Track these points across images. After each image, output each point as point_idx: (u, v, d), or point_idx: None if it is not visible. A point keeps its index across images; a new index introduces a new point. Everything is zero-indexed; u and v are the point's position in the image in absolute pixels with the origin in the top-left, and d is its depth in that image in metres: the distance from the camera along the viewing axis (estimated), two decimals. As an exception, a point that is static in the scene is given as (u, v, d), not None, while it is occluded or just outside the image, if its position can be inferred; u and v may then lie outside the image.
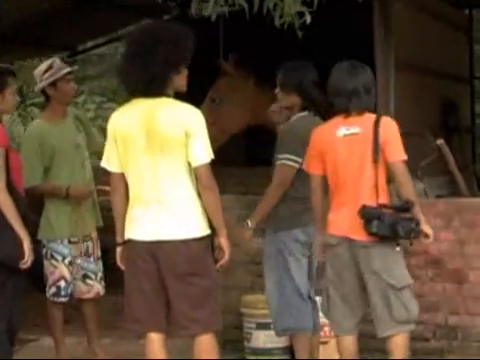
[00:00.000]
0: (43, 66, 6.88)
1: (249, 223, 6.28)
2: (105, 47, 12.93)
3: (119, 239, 5.37)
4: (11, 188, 5.91)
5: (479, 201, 7.39)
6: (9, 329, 5.97)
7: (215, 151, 5.27)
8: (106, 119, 14.23)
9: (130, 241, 5.29)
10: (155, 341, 5.30)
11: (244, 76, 8.91)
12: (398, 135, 5.78)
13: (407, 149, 7.39)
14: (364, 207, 5.51)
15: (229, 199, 7.34)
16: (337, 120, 5.69)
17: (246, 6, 6.13)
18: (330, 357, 6.54)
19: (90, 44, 11.70)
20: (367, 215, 5.59)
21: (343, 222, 5.55)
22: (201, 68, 7.47)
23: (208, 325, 5.26)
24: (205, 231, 5.24)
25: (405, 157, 5.70)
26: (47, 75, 6.81)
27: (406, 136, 7.41)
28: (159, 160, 5.20)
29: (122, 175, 5.31)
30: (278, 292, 6.34)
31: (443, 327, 6.96)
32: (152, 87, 5.19)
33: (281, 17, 6.02)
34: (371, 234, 5.53)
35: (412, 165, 7.18)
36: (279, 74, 6.42)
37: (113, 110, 11.13)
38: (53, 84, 6.79)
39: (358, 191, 5.61)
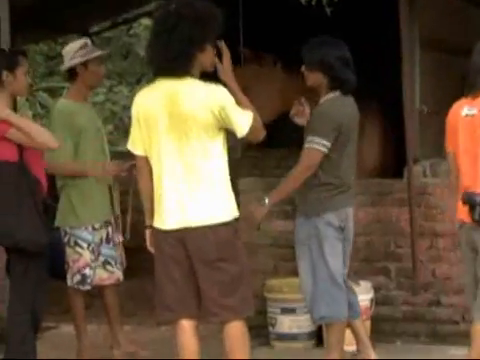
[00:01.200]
0: (76, 44, 6.89)
1: (266, 201, 6.15)
2: (111, 31, 12.94)
3: (148, 221, 5.36)
4: (24, 170, 5.97)
5: None
6: (33, 317, 6.03)
7: None
8: (115, 103, 14.22)
9: (158, 231, 5.31)
10: (186, 328, 5.29)
11: (269, 63, 8.83)
12: None
13: (431, 128, 7.59)
14: (466, 193, 5.47)
15: (248, 182, 7.39)
16: (465, 99, 5.61)
17: None
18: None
19: (97, 28, 11.73)
20: (469, 201, 5.55)
21: (460, 206, 5.49)
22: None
23: (238, 312, 5.27)
24: (232, 215, 5.21)
25: None
26: (81, 53, 6.79)
27: (432, 115, 7.61)
28: (183, 142, 5.17)
29: (147, 158, 5.31)
30: (312, 279, 6.28)
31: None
32: (175, 66, 5.14)
33: None
34: (474, 221, 5.49)
35: (438, 143, 7.05)
36: (303, 50, 6.31)
37: (122, 94, 10.96)
38: (84, 64, 6.76)
39: (475, 175, 5.53)
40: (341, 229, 6.23)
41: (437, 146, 7.27)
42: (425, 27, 7.55)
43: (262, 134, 5.34)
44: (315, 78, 6.23)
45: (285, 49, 8.50)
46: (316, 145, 6.06)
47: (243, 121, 5.16)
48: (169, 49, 5.11)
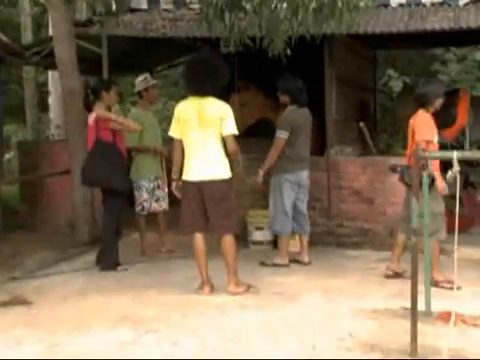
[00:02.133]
0: (141, 77, 6.92)
1: (260, 171, 6.36)
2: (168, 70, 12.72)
3: (175, 176, 5.41)
4: (115, 146, 6.15)
5: (380, 158, 7.39)
6: (117, 227, 6.29)
7: (241, 131, 5.37)
8: (168, 110, 14.19)
9: (185, 181, 5.34)
10: (199, 237, 5.39)
11: (255, 90, 8.79)
12: None
13: (341, 128, 7.66)
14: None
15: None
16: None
17: (251, 44, 6.30)
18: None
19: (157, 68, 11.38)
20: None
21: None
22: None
23: (229, 229, 5.37)
24: (228, 174, 5.35)
25: None
26: (143, 83, 6.86)
27: (342, 121, 7.77)
28: (204, 132, 5.26)
29: (181, 140, 5.38)
30: (274, 209, 6.43)
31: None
32: (203, 92, 5.29)
33: (273, 51, 6.15)
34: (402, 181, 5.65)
35: (343, 137, 7.50)
36: (278, 82, 6.44)
37: (173, 106, 11.06)
38: (146, 89, 6.86)
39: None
40: (296, 183, 6.37)
41: (342, 138, 7.70)
42: (337, 70, 7.59)
43: (234, 148, 5.31)
44: (283, 98, 6.44)
45: (263, 82, 8.60)
46: (281, 135, 6.30)
47: (229, 129, 5.26)
48: (200, 82, 5.24)
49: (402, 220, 5.66)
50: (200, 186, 5.31)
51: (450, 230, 5.55)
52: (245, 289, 5.43)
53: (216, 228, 5.37)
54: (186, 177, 5.37)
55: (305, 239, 6.52)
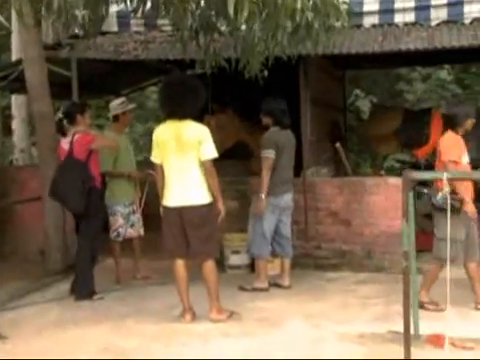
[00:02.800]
0: (118, 101, 6.87)
1: (261, 196, 6.12)
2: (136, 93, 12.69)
3: (162, 203, 5.30)
4: (87, 168, 6.02)
5: (356, 179, 7.38)
6: (93, 253, 6.15)
7: (218, 154, 5.26)
8: (134, 132, 13.91)
9: (165, 206, 5.25)
10: (180, 263, 5.28)
11: (232, 113, 8.77)
12: None
13: (316, 149, 7.66)
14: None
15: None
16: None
17: (227, 65, 6.28)
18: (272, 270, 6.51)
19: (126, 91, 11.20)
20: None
21: None
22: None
23: (211, 254, 5.29)
24: (209, 199, 5.23)
25: None
26: (121, 106, 6.75)
27: (316, 142, 7.76)
28: (182, 156, 5.17)
29: (162, 165, 5.26)
30: (252, 232, 6.37)
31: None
32: (181, 116, 5.19)
33: (249, 72, 6.12)
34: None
35: (318, 158, 7.50)
36: (262, 104, 6.37)
37: (137, 128, 10.41)
38: (123, 113, 6.74)
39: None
40: (278, 206, 6.22)
41: (318, 159, 7.68)
42: (312, 91, 7.60)
43: (212, 174, 5.19)
44: (266, 120, 6.36)
45: (238, 103, 8.72)
46: (268, 154, 6.16)
47: (207, 153, 5.17)
48: (178, 105, 5.13)
49: (439, 247, 5.29)
50: (180, 211, 5.22)
51: (425, 248, 5.60)
52: (228, 316, 5.32)
53: (197, 254, 5.28)
54: (166, 203, 5.29)
55: (287, 262, 6.44)
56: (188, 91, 5.19)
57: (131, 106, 6.92)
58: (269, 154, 6.18)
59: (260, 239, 6.29)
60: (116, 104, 6.81)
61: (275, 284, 6.37)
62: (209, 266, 5.27)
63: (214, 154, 5.21)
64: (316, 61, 7.52)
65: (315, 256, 7.13)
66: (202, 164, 5.20)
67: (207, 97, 7.21)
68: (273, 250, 6.42)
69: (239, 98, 8.78)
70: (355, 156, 13.88)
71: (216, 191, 5.23)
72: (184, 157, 5.18)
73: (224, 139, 8.19)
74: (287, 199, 6.32)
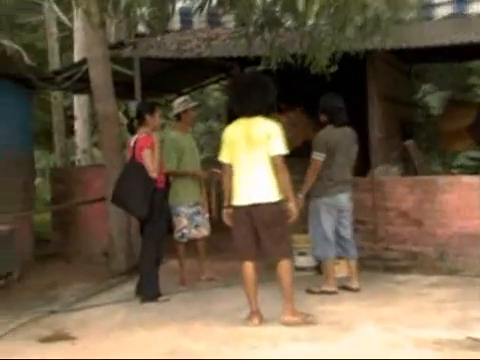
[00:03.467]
0: (180, 99, 6.87)
1: (300, 195, 6.10)
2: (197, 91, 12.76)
3: (226, 203, 5.28)
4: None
5: (429, 177, 7.27)
6: (158, 255, 6.20)
7: (289, 152, 5.19)
8: (196, 132, 14.05)
9: (235, 206, 5.22)
10: (249, 265, 5.22)
11: (299, 112, 8.69)
12: None
13: (385, 147, 7.54)
14: None
15: None
16: None
17: (293, 61, 6.25)
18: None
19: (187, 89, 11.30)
20: None
21: None
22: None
23: (285, 254, 5.21)
24: (280, 197, 5.16)
25: None
26: (183, 105, 6.77)
27: (385, 139, 7.64)
28: (252, 154, 5.15)
29: (230, 164, 5.26)
30: (313, 234, 6.35)
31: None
32: (252, 113, 5.20)
33: (315, 68, 6.09)
34: None
35: (387, 156, 7.36)
36: (320, 101, 6.33)
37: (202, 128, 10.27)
38: (185, 111, 6.77)
39: None
40: (334, 207, 6.18)
41: (387, 157, 7.55)
42: (380, 87, 7.51)
43: (283, 170, 5.14)
44: (323, 117, 6.29)
45: (304, 102, 8.49)
46: (317, 156, 6.15)
47: (277, 149, 5.13)
48: (248, 102, 5.15)
49: None
50: (249, 210, 5.18)
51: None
52: (302, 319, 5.23)
53: (270, 254, 5.21)
54: (235, 202, 5.25)
55: (353, 264, 6.36)
56: (258, 88, 5.18)
57: (193, 104, 6.92)
58: (317, 156, 6.14)
59: (322, 241, 6.24)
60: (178, 103, 6.83)
61: (343, 287, 6.31)
62: (284, 266, 5.19)
63: (284, 150, 5.16)
64: (383, 55, 7.43)
65: (384, 258, 7.03)
66: (272, 160, 5.14)
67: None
68: (337, 253, 6.36)
69: (305, 95, 8.51)
70: (423, 154, 13.65)
71: (287, 189, 5.16)
72: (253, 154, 5.16)
73: (294, 137, 8.05)
74: (343, 199, 6.23)
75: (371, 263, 7.01)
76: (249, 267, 5.23)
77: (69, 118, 13.00)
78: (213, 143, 13.78)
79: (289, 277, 5.21)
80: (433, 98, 12.86)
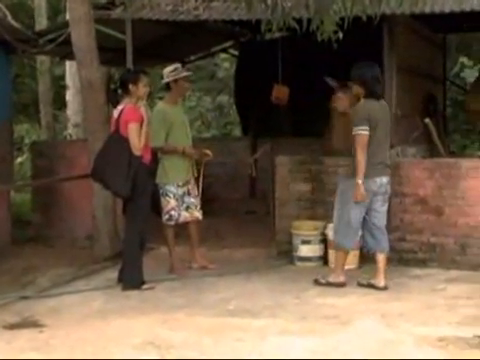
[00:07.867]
0: (170, 67, 6.91)
1: (359, 181, 6.05)
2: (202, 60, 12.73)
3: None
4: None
5: (451, 160, 7.30)
6: (141, 239, 6.29)
7: None
8: (202, 107, 14.14)
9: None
10: None
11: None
12: None
13: (403, 125, 7.56)
14: None
15: (282, 159, 7.39)
16: None
17: (297, 27, 6.25)
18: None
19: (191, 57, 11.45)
20: None
21: None
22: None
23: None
24: None
25: None
26: (173, 73, 6.81)
27: (403, 117, 7.67)
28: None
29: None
30: (337, 219, 6.33)
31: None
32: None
33: (322, 34, 6.07)
34: None
35: (405, 136, 7.41)
36: (351, 70, 6.29)
37: (206, 101, 10.19)
38: (175, 81, 6.80)
39: None
40: (371, 191, 6.12)
41: (405, 137, 7.63)
42: (399, 57, 7.53)
43: None
44: (357, 89, 6.26)
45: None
46: (361, 131, 6.05)
47: None
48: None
49: None
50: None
51: None
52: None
53: None
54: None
55: (381, 258, 6.30)
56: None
57: (185, 73, 6.95)
58: (362, 131, 6.06)
59: (344, 228, 6.24)
60: (168, 71, 6.86)
61: (368, 285, 6.29)
62: None
63: None
64: (405, 23, 7.47)
65: (398, 249, 7.06)
66: None
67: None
68: (365, 243, 6.39)
69: (316, 65, 8.80)
70: (461, 137, 13.59)
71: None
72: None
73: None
74: (382, 183, 6.21)
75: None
76: None
77: (61, 88, 13.12)
78: (221, 120, 13.81)
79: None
80: (472, 73, 12.82)
